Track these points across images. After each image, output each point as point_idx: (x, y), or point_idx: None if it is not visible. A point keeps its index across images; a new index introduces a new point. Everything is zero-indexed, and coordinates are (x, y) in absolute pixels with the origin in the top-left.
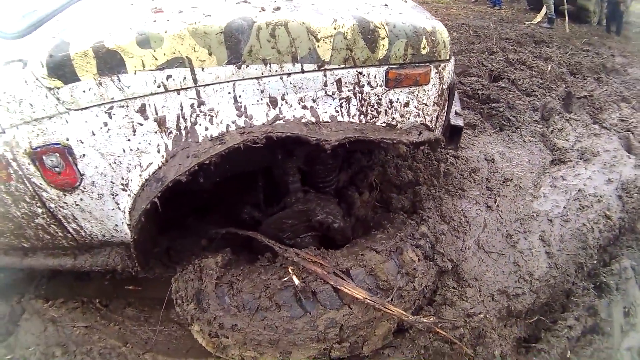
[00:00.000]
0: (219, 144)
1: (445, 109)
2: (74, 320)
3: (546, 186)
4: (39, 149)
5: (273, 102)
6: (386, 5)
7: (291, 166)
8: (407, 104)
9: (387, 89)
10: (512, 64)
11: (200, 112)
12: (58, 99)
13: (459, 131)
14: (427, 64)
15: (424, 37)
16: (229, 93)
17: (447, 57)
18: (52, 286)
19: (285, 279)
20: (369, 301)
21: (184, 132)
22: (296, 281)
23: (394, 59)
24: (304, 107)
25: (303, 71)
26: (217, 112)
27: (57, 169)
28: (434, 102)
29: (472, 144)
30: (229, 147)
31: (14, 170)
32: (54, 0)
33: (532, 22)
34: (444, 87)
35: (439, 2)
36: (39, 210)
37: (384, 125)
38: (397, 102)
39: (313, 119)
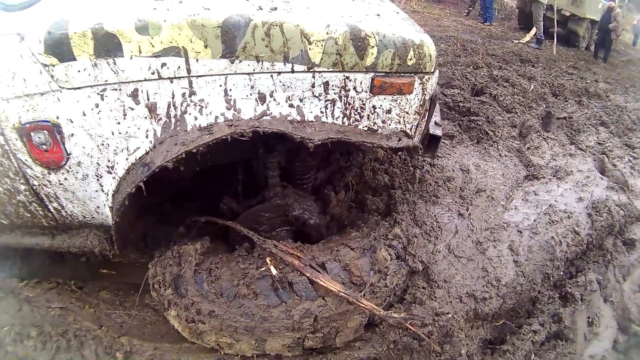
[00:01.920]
0: (207, 134)
1: (426, 118)
2: (49, 301)
3: (518, 199)
4: (27, 125)
5: (262, 98)
6: (378, 15)
7: (272, 161)
8: (389, 111)
9: (371, 95)
10: (495, 80)
11: (191, 102)
12: (52, 76)
13: (436, 140)
14: (412, 74)
15: (411, 49)
16: (220, 86)
17: (432, 70)
18: (27, 266)
19: (263, 268)
20: (343, 294)
21: (173, 120)
22: (274, 271)
23: (380, 67)
24: (291, 106)
25: (293, 71)
26: (208, 103)
27: (44, 146)
28: (415, 111)
29: (449, 154)
30: (216, 138)
31: (0, 144)
32: None
33: (520, 40)
34: (427, 97)
35: (430, 14)
36: (22, 187)
37: (366, 129)
38: (379, 108)
39: (298, 118)
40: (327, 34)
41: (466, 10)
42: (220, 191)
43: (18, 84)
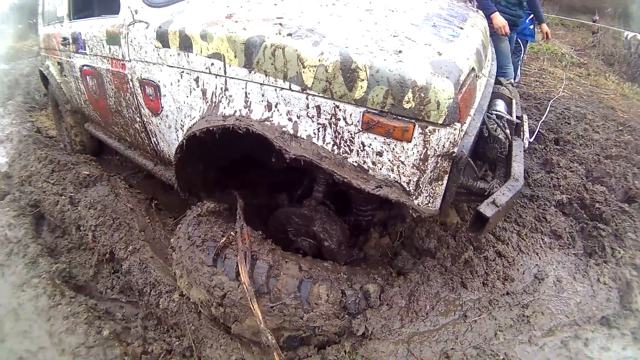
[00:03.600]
0: (221, 121)
1: (443, 181)
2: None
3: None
4: (144, 80)
5: (269, 106)
6: (409, 39)
7: (322, 177)
8: (380, 153)
9: (361, 130)
10: None
11: (224, 95)
12: (158, 54)
13: (483, 220)
14: (411, 119)
15: (410, 90)
16: (243, 89)
17: (441, 122)
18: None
19: (223, 237)
20: (244, 286)
21: (213, 104)
22: (222, 241)
23: (371, 103)
24: (290, 120)
25: (291, 89)
26: (233, 99)
27: (151, 97)
28: (414, 165)
29: (538, 253)
30: (218, 126)
31: (130, 87)
32: None
33: None
34: (432, 153)
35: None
36: (137, 119)
37: (355, 164)
38: (369, 147)
39: (292, 132)
40: (319, 60)
41: None
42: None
43: (142, 53)
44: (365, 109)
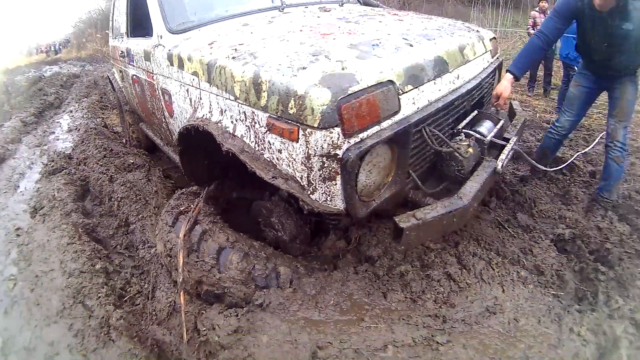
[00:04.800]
0: (192, 123)
1: (336, 181)
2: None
3: None
4: (164, 89)
5: (221, 112)
6: (326, 57)
7: None
8: (280, 151)
9: (267, 131)
10: None
11: (199, 103)
12: (169, 70)
13: (399, 231)
14: (295, 123)
15: (292, 98)
16: (207, 98)
17: (316, 125)
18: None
19: (191, 207)
20: (179, 241)
21: (194, 109)
22: (181, 209)
23: (271, 110)
24: (231, 122)
25: (229, 99)
26: (204, 106)
27: (168, 102)
28: (302, 162)
29: (504, 285)
30: (190, 125)
31: (157, 94)
32: (205, 15)
33: None
34: (313, 152)
35: None
36: (163, 119)
37: (268, 159)
38: (273, 145)
39: (231, 131)
40: (242, 77)
41: None
42: None
43: (161, 69)
44: (268, 114)
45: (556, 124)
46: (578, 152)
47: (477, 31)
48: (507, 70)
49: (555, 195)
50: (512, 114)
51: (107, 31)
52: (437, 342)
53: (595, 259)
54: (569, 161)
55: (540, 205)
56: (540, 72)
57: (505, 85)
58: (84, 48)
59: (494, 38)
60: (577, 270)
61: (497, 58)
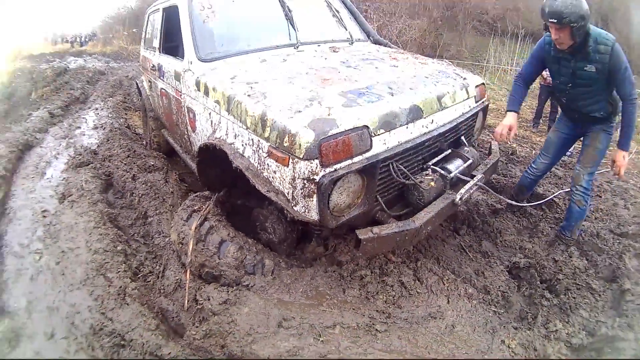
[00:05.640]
0: (211, 141)
1: (313, 198)
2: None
3: None
4: (189, 108)
5: (235, 135)
6: (319, 103)
7: None
8: (275, 172)
9: (267, 156)
10: None
11: (218, 126)
12: (196, 94)
13: (358, 240)
14: (287, 153)
15: (287, 135)
16: (225, 123)
17: (301, 156)
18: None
19: (203, 207)
20: (191, 232)
21: (213, 130)
22: (195, 208)
23: (271, 140)
24: (242, 145)
25: (242, 127)
26: (222, 128)
27: (192, 119)
28: (289, 182)
29: (449, 297)
30: (209, 143)
31: (183, 110)
32: (230, 48)
33: None
34: (298, 175)
35: None
36: (186, 132)
37: (266, 177)
38: (270, 167)
39: (241, 152)
40: (253, 112)
41: None
42: None
43: (189, 91)
44: (269, 143)
45: (532, 165)
46: (560, 190)
47: (464, 78)
48: (507, 111)
49: (525, 228)
50: (490, 153)
51: (134, 30)
52: (377, 330)
53: (546, 287)
54: (547, 199)
55: (506, 235)
56: (548, 108)
57: (511, 121)
58: (110, 44)
59: (482, 84)
60: (527, 295)
61: (482, 102)
